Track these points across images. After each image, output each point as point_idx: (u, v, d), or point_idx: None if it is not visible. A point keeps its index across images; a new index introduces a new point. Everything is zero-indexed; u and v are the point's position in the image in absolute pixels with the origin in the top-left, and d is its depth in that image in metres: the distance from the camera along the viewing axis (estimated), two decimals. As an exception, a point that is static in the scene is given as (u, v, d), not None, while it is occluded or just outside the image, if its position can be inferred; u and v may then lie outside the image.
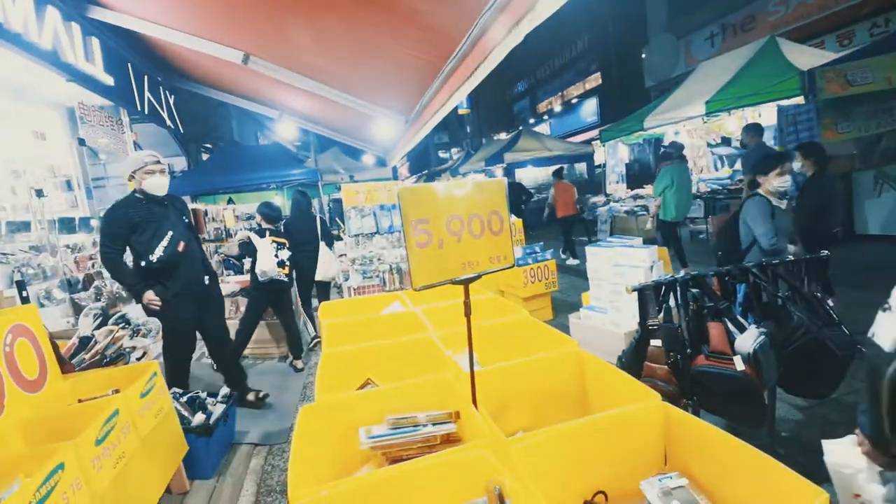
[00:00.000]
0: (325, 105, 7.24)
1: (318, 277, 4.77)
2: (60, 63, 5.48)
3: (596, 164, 13.54)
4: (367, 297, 3.37)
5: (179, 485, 2.34)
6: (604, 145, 10.67)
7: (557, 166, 9.36)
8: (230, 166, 10.66)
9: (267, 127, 15.10)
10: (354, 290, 4.60)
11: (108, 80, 6.87)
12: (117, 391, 2.11)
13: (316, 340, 4.73)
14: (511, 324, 2.00)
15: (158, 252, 2.76)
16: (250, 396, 3.39)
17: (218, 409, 2.69)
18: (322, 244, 4.82)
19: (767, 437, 2.11)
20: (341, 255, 6.01)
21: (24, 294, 3.19)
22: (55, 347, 2.26)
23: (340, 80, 6.03)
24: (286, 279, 4.13)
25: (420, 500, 0.98)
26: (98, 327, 2.69)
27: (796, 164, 3.78)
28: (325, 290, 5.17)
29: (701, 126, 10.25)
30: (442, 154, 21.26)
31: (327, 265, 4.79)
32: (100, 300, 4.53)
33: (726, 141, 11.07)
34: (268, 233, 4.11)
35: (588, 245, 3.16)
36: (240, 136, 15.20)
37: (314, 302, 5.19)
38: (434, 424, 1.29)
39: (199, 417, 2.52)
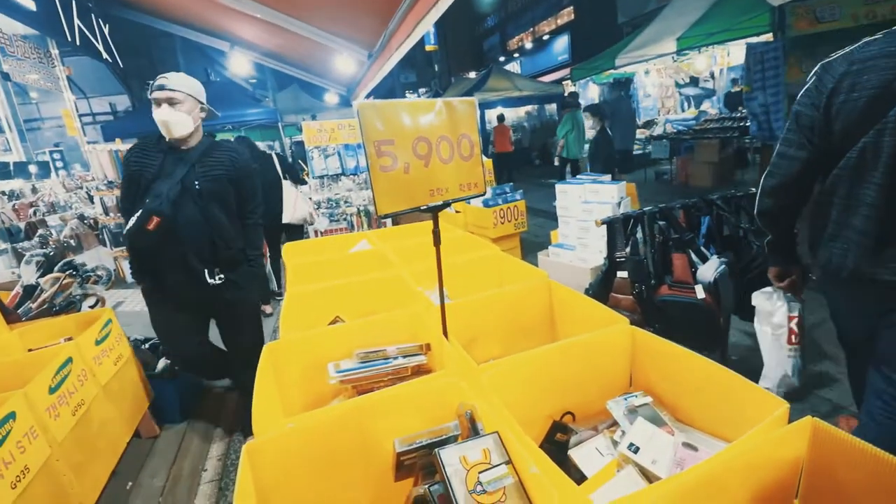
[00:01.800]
0: (282, 36, 6.65)
1: (285, 220, 4.45)
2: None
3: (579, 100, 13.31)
4: (332, 237, 3.27)
5: (148, 429, 2.31)
6: (574, 84, 10.44)
7: (500, 112, 11.29)
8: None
9: (218, 62, 13.91)
10: (321, 233, 4.47)
11: (30, 5, 6.07)
12: (70, 339, 2.01)
13: (280, 299, 4.59)
14: (481, 258, 1.98)
15: (129, 224, 1.85)
16: None
17: (184, 355, 2.62)
18: (287, 183, 4.48)
19: (720, 361, 2.25)
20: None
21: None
22: (-5, 297, 2.10)
23: (298, 8, 5.51)
24: None
25: (390, 428, 0.98)
26: (42, 275, 2.52)
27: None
28: (297, 235, 4.83)
29: (671, 65, 10.13)
30: (409, 94, 20.31)
31: (293, 205, 4.44)
32: (45, 248, 4.23)
33: (694, 81, 11.04)
34: None
35: (557, 183, 3.13)
36: (187, 71, 13.97)
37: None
38: (404, 357, 1.27)
39: (162, 363, 2.45)
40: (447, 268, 1.50)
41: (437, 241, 1.22)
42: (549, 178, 8.65)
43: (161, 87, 1.84)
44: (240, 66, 9.74)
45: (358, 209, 4.45)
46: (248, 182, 2.03)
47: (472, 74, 16.36)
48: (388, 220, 4.61)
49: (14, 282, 2.89)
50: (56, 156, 7.93)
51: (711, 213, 2.20)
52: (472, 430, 0.91)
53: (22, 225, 4.77)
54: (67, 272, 2.59)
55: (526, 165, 12.65)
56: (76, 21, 7.29)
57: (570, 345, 1.16)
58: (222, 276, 1.97)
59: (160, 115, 1.83)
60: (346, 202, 4.53)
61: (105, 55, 8.25)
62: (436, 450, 0.80)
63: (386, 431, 0.97)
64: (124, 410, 2.10)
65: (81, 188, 6.39)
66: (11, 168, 6.83)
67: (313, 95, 11.68)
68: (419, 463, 0.90)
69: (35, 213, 5.25)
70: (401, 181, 1.09)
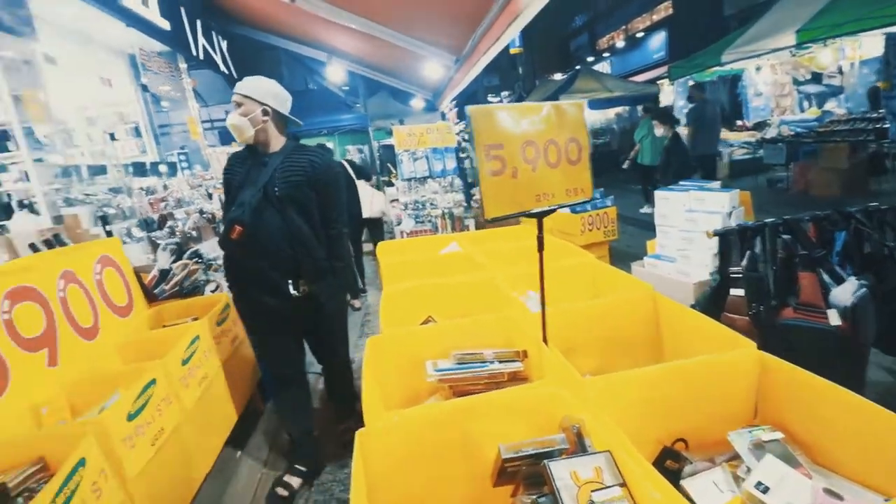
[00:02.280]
0: (374, 45, 7.01)
1: (365, 214, 4.71)
2: (118, 7, 5.56)
3: (661, 105, 12.49)
4: (423, 237, 3.36)
5: (256, 406, 2.55)
6: (672, 83, 9.74)
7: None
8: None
9: (316, 72, 14.98)
10: (406, 234, 4.62)
11: (165, 25, 6.95)
12: (196, 319, 2.27)
13: (365, 295, 4.86)
14: (574, 265, 1.91)
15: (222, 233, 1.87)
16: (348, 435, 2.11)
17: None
18: (360, 182, 4.74)
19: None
20: (393, 200, 6.04)
21: (108, 229, 3.43)
22: (139, 278, 2.44)
23: (389, 17, 5.76)
24: None
25: (491, 432, 0.97)
26: (174, 261, 2.87)
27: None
28: (377, 229, 5.03)
29: (788, 60, 9.06)
30: (492, 98, 20.30)
31: (370, 200, 4.70)
32: (174, 237, 4.84)
33: (817, 77, 9.76)
34: None
35: (657, 189, 2.92)
36: (290, 82, 15.21)
37: (366, 247, 5.24)
38: (500, 362, 1.27)
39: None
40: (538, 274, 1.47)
41: (541, 247, 1.19)
42: (639, 183, 8.17)
43: (234, 92, 1.83)
44: (336, 74, 10.39)
45: (443, 212, 4.53)
46: (330, 187, 1.87)
47: (558, 76, 15.96)
48: (472, 223, 4.65)
49: (151, 266, 3.34)
50: (182, 157, 9.03)
51: (848, 228, 1.93)
52: (580, 446, 0.88)
53: (155, 217, 5.50)
54: (194, 259, 2.94)
55: (614, 169, 12.08)
56: (200, 38, 8.27)
57: (686, 366, 1.07)
58: (304, 288, 1.85)
59: (227, 120, 1.84)
60: (431, 204, 4.64)
61: (223, 68, 9.27)
62: (545, 461, 0.79)
63: (487, 435, 0.97)
64: (237, 387, 2.33)
65: (202, 186, 7.23)
66: (147, 167, 7.92)
67: (401, 101, 12.14)
68: (523, 472, 0.89)
69: (165, 206, 6.02)
70: (509, 185, 1.08)
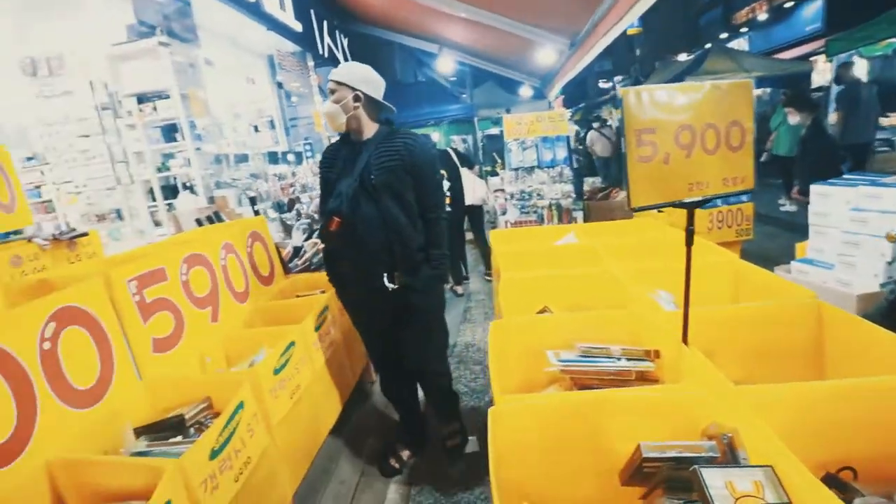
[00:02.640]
0: (486, 34, 7.01)
1: (467, 201, 4.76)
2: (262, 13, 6.26)
3: (814, 86, 10.67)
4: (537, 227, 3.32)
5: (368, 376, 2.76)
6: (830, 60, 8.29)
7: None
8: (393, 105, 11.24)
9: (426, 64, 15.45)
10: (511, 224, 4.60)
11: (298, 27, 7.65)
12: (323, 292, 2.51)
13: (466, 281, 4.97)
14: (714, 264, 1.73)
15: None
16: (448, 441, 2.11)
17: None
18: (464, 170, 4.77)
19: None
20: (497, 190, 6.03)
21: (255, 209, 3.91)
22: (279, 253, 2.76)
23: (503, 4, 5.70)
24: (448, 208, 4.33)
25: (623, 430, 0.93)
26: (306, 240, 3.20)
27: None
28: (477, 217, 5.08)
29: None
30: (603, 84, 19.13)
31: (472, 188, 4.73)
32: (300, 219, 5.40)
33: None
34: None
35: (819, 184, 2.50)
36: (401, 75, 15.90)
37: (469, 236, 5.31)
38: (628, 360, 1.21)
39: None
40: (670, 272, 1.36)
41: (689, 242, 1.10)
42: (778, 176, 7.13)
43: (328, 81, 1.79)
44: (445, 65, 10.62)
45: (550, 203, 4.42)
46: (427, 171, 1.77)
47: (683, 56, 14.50)
48: (580, 215, 4.47)
49: (285, 243, 3.76)
50: (307, 147, 9.97)
51: None
52: (732, 457, 0.80)
53: (285, 200, 6.17)
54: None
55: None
56: (326, 38, 8.99)
57: (862, 386, 0.92)
58: (400, 280, 1.76)
59: (321, 107, 1.85)
60: (538, 195, 4.55)
61: (344, 64, 10.02)
62: (696, 467, 0.73)
63: (618, 432, 0.93)
64: (353, 358, 2.54)
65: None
66: (279, 156, 8.90)
67: (508, 90, 12.04)
68: (663, 474, 0.84)
69: (293, 191, 6.73)
70: (659, 173, 1.01)
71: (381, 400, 2.69)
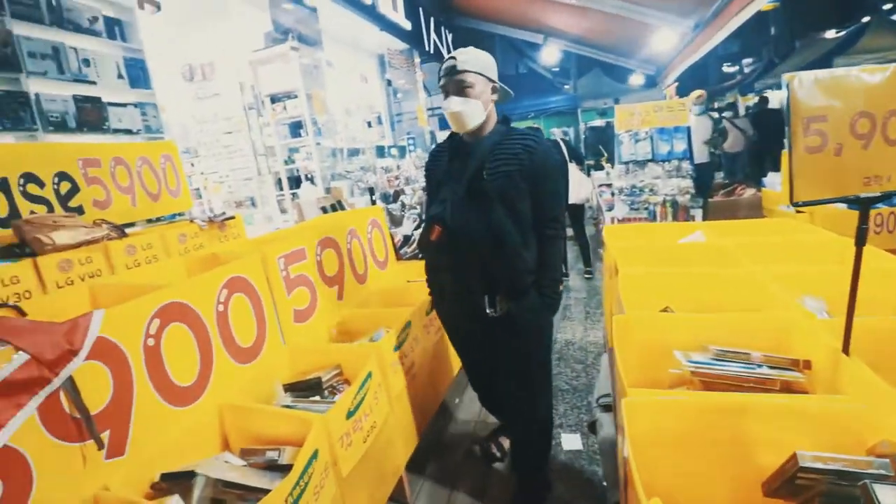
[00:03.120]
0: (597, 20, 6.71)
1: (570, 200, 4.63)
2: (376, 14, 6.66)
3: None
4: (659, 224, 3.15)
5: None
6: None
7: None
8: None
9: (526, 55, 15.21)
10: (618, 220, 4.39)
11: (407, 26, 8.00)
12: (433, 279, 2.65)
13: (565, 278, 4.87)
14: (882, 271, 1.50)
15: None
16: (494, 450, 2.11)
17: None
18: (572, 166, 4.62)
19: None
20: (602, 186, 5.77)
21: (373, 198, 4.20)
22: (392, 240, 2.96)
23: (621, -14, 5.41)
24: None
25: (768, 438, 0.88)
26: (415, 229, 3.39)
27: None
28: (579, 213, 4.92)
29: None
30: (727, 68, 17.18)
31: (578, 185, 4.56)
32: (403, 210, 5.71)
33: None
34: None
35: None
36: (502, 67, 15.84)
37: (568, 233, 5.16)
38: (770, 367, 1.12)
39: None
40: (818, 276, 1.22)
41: (861, 241, 0.99)
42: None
43: (451, 71, 1.45)
44: (550, 55, 10.36)
45: (664, 199, 4.13)
46: (549, 180, 1.51)
47: (831, 33, 12.46)
48: (698, 213, 4.11)
49: (393, 232, 4.02)
50: (410, 141, 10.43)
51: None
52: (911, 482, 0.72)
53: (391, 191, 6.55)
54: (429, 229, 3.43)
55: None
56: (432, 34, 9.28)
57: None
58: (502, 305, 1.52)
59: (451, 105, 1.45)
60: (650, 190, 4.28)
61: (448, 59, 10.26)
62: (866, 481, 0.67)
63: (765, 440, 0.88)
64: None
65: (423, 167, 8.27)
66: (386, 150, 9.46)
67: (616, 78, 11.38)
68: (817, 489, 0.78)
69: (398, 183, 7.11)
70: (829, 165, 0.92)
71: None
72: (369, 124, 6.54)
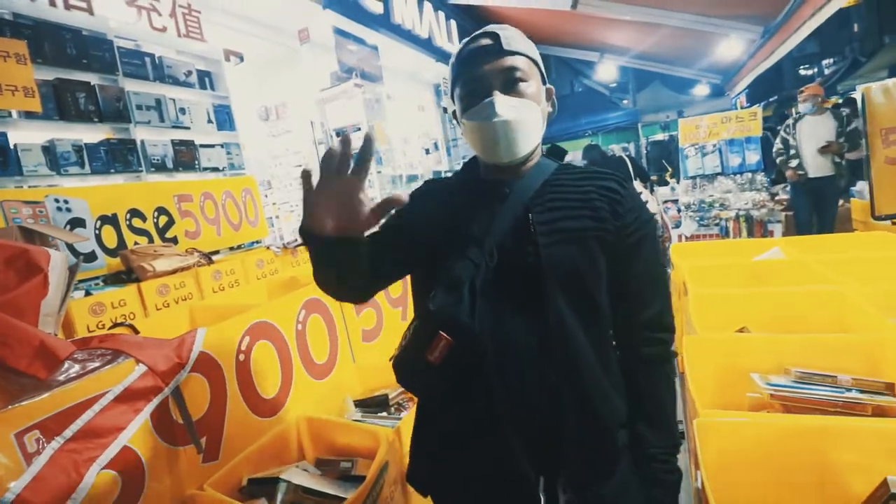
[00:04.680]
0: (657, 34, 6.57)
1: None
2: (433, 47, 6.98)
3: None
4: (730, 240, 2.99)
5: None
6: None
7: None
8: (550, 117, 11.23)
9: (581, 73, 15.10)
10: (686, 238, 4.19)
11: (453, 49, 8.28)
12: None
13: None
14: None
15: (399, 351, 0.88)
16: None
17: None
18: (637, 183, 4.52)
19: None
20: (667, 202, 5.55)
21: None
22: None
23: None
24: None
25: (857, 464, 0.81)
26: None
27: None
28: None
29: None
30: (804, 71, 15.96)
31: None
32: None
33: None
34: None
35: None
36: (558, 86, 15.78)
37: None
38: (860, 392, 1.03)
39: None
40: None
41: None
42: None
43: (492, 52, 0.82)
44: (606, 72, 10.24)
45: (737, 213, 3.90)
46: (646, 247, 0.86)
47: (928, 26, 11.29)
48: (777, 228, 3.83)
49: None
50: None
51: None
52: None
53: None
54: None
55: None
56: (485, 59, 9.54)
57: None
58: (575, 489, 0.82)
59: (498, 108, 0.79)
60: (721, 205, 4.06)
61: (501, 84, 10.46)
62: None
63: (853, 466, 0.82)
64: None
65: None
66: (442, 174, 9.73)
67: (678, 90, 10.98)
68: None
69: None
70: (914, 174, 0.87)
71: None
72: (427, 151, 6.79)
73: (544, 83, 0.90)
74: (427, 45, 6.87)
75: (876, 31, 15.14)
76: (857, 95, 1.48)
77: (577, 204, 0.84)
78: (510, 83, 0.82)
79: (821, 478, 0.85)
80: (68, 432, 0.99)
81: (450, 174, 1.09)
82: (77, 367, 1.11)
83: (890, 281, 1.50)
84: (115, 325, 1.77)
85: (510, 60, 0.82)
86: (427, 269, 0.86)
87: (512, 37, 0.84)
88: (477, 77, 0.83)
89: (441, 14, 6.97)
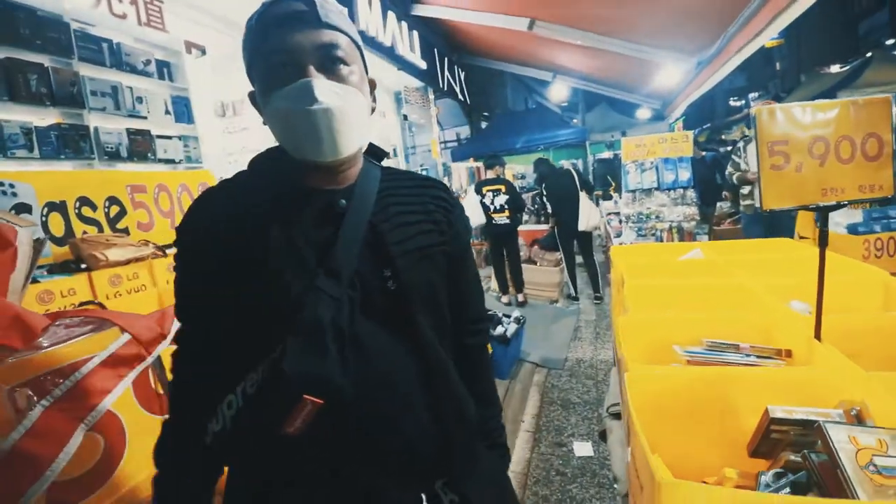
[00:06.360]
0: (604, 59, 7.09)
1: (580, 227, 4.89)
2: (395, 56, 7.14)
3: None
4: (658, 244, 3.33)
5: (486, 376, 3.02)
6: None
7: None
8: (505, 131, 11.70)
9: (535, 91, 15.83)
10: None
11: (423, 65, 8.51)
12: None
13: (576, 302, 5.14)
14: (860, 280, 1.66)
15: (217, 425, 0.69)
16: None
17: (511, 328, 3.25)
18: (583, 195, 4.90)
19: None
20: (610, 214, 5.99)
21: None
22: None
23: (624, 27, 5.77)
24: (507, 221, 4.78)
25: (751, 404, 1.03)
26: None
27: None
28: (587, 241, 5.22)
29: None
30: (734, 102, 17.57)
31: (588, 214, 4.83)
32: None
33: None
34: (483, 186, 4.84)
35: None
36: (512, 102, 16.43)
37: (578, 259, 5.39)
38: (758, 357, 1.28)
39: (498, 329, 3.12)
40: (806, 286, 1.40)
41: (823, 243, 1.17)
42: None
43: (306, 19, 0.67)
44: (558, 92, 10.83)
45: (670, 225, 4.32)
46: (470, 254, 0.90)
47: (835, 68, 12.84)
48: (704, 239, 4.28)
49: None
50: (424, 172, 10.82)
51: None
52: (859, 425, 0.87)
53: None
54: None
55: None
56: (446, 72, 9.81)
57: None
58: (454, 499, 0.75)
59: (317, 91, 0.65)
60: (657, 217, 4.48)
61: (460, 96, 10.78)
62: (821, 421, 0.83)
63: (748, 406, 1.04)
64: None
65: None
66: (400, 180, 9.85)
67: (623, 112, 11.79)
68: (786, 440, 0.93)
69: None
70: (791, 179, 1.12)
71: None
72: (388, 156, 6.96)
73: (367, 73, 0.77)
74: (390, 53, 7.01)
75: (795, 70, 17.00)
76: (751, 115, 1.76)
77: (420, 217, 0.78)
78: (330, 63, 0.68)
79: (721, 415, 1.07)
80: (58, 392, 1.03)
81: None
82: (64, 332, 1.15)
83: (784, 276, 1.81)
84: (82, 304, 1.76)
85: (329, 35, 0.68)
86: (238, 315, 0.68)
87: (331, 9, 0.70)
88: (286, 49, 0.66)
89: (404, 24, 7.14)
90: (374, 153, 0.84)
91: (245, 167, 0.78)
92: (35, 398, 1.00)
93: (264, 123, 0.73)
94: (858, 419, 0.89)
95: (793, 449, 0.91)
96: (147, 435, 1.27)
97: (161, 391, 1.28)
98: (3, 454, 0.92)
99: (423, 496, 0.73)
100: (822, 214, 1.15)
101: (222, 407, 0.67)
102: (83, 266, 2.64)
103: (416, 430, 0.71)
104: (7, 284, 1.41)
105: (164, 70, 3.95)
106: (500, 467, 0.92)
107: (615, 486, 2.07)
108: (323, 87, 0.65)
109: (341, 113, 0.66)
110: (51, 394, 1.02)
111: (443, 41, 9.43)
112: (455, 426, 0.75)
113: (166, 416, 0.76)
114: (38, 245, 1.61)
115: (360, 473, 0.68)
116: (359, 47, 0.74)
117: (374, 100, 0.80)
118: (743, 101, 17.19)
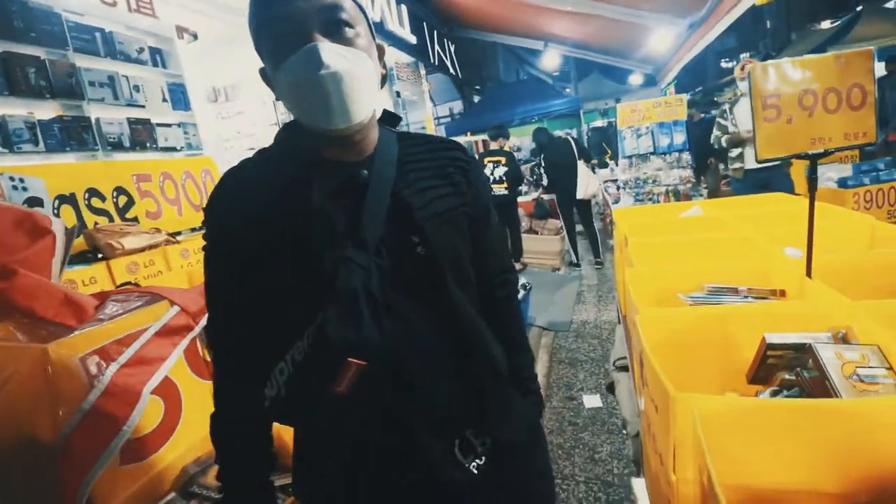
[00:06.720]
0: (593, 24, 7.04)
1: (578, 196, 4.99)
2: (385, 31, 7.05)
3: None
4: (660, 204, 3.43)
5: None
6: None
7: None
8: (498, 104, 11.61)
9: (527, 62, 15.62)
10: (625, 210, 4.67)
11: (412, 40, 8.41)
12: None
13: (577, 268, 5.27)
14: (848, 225, 1.77)
15: (272, 394, 0.71)
16: None
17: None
18: (580, 163, 4.96)
19: None
20: (608, 181, 6.06)
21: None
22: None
23: (614, -8, 5.72)
24: (505, 192, 4.82)
25: (749, 337, 1.14)
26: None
27: None
28: (586, 209, 5.31)
29: None
30: (725, 64, 17.41)
31: (586, 181, 4.91)
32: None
33: None
34: (485, 157, 4.86)
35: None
36: (504, 74, 16.23)
37: (578, 227, 5.49)
38: (755, 298, 1.39)
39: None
40: (800, 234, 1.50)
41: (812, 188, 1.27)
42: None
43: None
44: (550, 61, 10.71)
45: (667, 189, 4.41)
46: (491, 212, 0.91)
47: (826, 24, 12.72)
48: (705, 193, 4.38)
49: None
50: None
51: None
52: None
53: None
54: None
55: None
56: (436, 46, 9.68)
57: None
58: (485, 444, 0.78)
59: (324, 56, 0.64)
60: (653, 181, 4.57)
61: (452, 70, 10.66)
62: (810, 342, 0.95)
63: (746, 339, 1.16)
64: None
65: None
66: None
67: (615, 80, 11.72)
68: (781, 364, 1.05)
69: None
70: (783, 131, 1.21)
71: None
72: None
73: (374, 38, 0.76)
74: (379, 29, 6.92)
75: (785, 28, 16.78)
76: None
77: (439, 182, 0.80)
78: (335, 26, 0.67)
79: (723, 348, 1.19)
80: (123, 358, 1.14)
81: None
82: (119, 306, 1.24)
83: (778, 226, 1.91)
84: (122, 284, 1.85)
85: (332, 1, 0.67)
86: (273, 289, 0.72)
87: None
88: (288, 16, 0.65)
89: (392, -1, 7.05)
90: (389, 120, 0.84)
91: (239, 152, 0.80)
92: (104, 364, 1.10)
93: (277, 99, 0.73)
94: (844, 340, 1.01)
95: (787, 372, 1.03)
96: (199, 398, 1.39)
97: (208, 359, 1.39)
98: (85, 413, 1.03)
99: (457, 441, 0.76)
100: (811, 162, 1.25)
101: (275, 373, 0.70)
102: (100, 255, 2.72)
103: (449, 389, 0.75)
104: (50, 269, 1.50)
105: (157, 57, 3.94)
106: (533, 413, 0.94)
107: (625, 430, 2.22)
108: (329, 51, 0.64)
109: (350, 76, 0.65)
110: (116, 360, 1.13)
111: (432, 14, 9.27)
112: (488, 383, 0.79)
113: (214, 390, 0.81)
114: (70, 234, 1.69)
115: (399, 427, 0.72)
116: (363, 11, 0.73)
117: (385, 66, 0.79)
118: (734, 62, 17.01)
